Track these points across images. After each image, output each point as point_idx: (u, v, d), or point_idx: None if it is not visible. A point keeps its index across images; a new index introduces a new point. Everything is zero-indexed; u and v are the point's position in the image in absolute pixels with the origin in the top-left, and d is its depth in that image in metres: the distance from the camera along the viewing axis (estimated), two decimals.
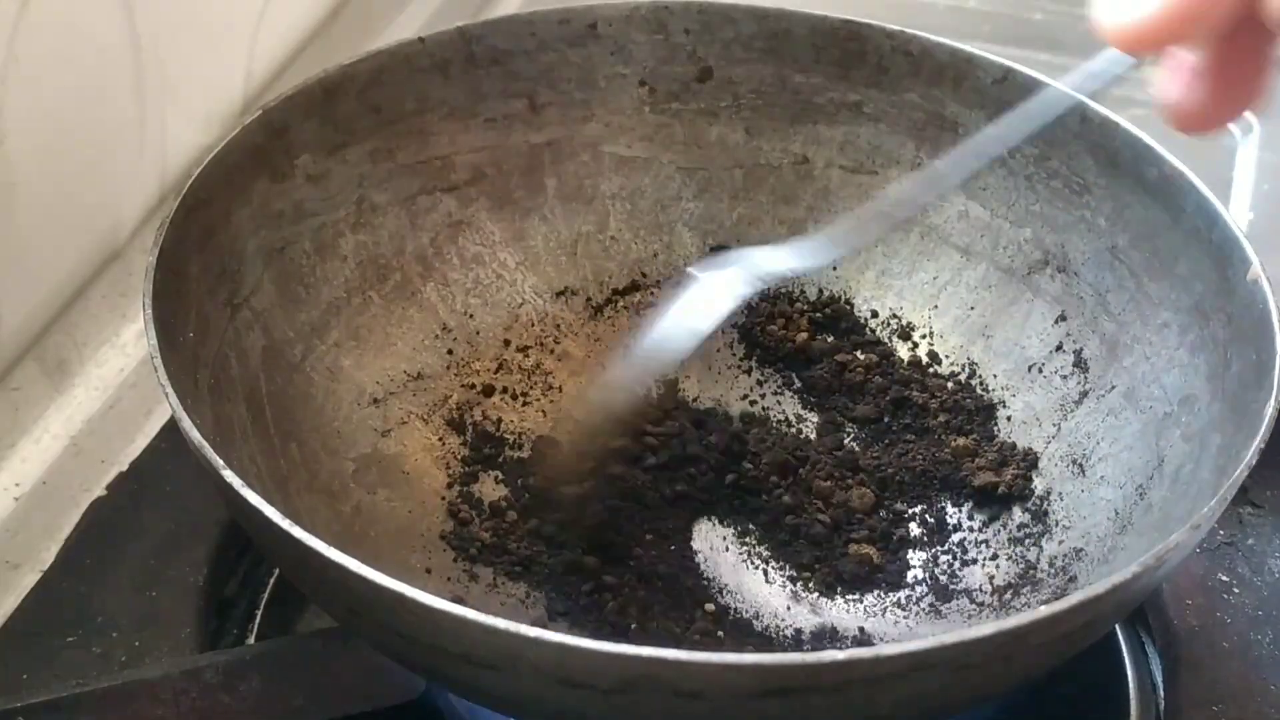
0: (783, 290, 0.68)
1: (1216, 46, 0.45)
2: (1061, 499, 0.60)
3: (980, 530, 0.61)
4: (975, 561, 0.60)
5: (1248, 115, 0.86)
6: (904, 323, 0.67)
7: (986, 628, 0.40)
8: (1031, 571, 0.58)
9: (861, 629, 0.58)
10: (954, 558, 0.60)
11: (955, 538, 0.61)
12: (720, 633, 0.57)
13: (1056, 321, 0.63)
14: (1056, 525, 0.59)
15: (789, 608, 0.59)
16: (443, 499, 0.61)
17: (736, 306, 0.55)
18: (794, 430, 0.66)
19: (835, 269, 0.68)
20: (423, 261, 0.65)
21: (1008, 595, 0.58)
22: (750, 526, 0.62)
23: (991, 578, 0.59)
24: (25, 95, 0.63)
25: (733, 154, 0.69)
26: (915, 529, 0.62)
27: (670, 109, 0.68)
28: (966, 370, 0.65)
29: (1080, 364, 0.62)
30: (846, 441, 0.65)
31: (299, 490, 0.56)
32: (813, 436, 0.65)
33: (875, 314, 0.68)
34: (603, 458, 0.60)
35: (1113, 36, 0.43)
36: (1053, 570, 0.57)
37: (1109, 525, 0.56)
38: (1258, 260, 0.53)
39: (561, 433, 0.63)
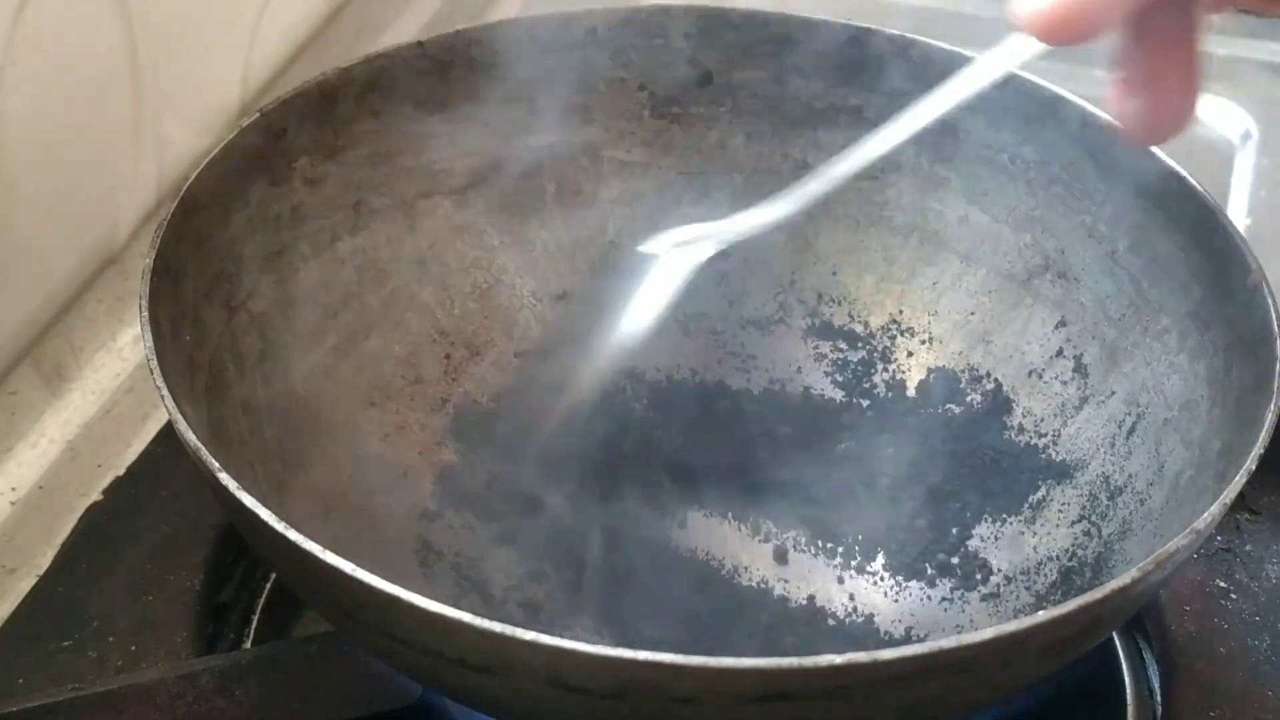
0: (780, 296, 0.68)
1: (1140, 45, 0.46)
2: (1060, 504, 0.60)
3: (976, 534, 0.61)
4: (970, 567, 0.60)
5: (1246, 122, 0.86)
6: (903, 328, 0.67)
7: (985, 632, 0.40)
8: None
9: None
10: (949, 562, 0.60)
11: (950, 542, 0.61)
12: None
13: (1056, 327, 0.63)
14: (1055, 531, 0.59)
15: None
16: (440, 503, 0.61)
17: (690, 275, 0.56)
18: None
19: (835, 274, 0.68)
20: (421, 265, 0.65)
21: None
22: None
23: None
24: (22, 99, 0.63)
25: (732, 159, 0.68)
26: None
27: (670, 114, 0.68)
28: (966, 375, 0.65)
29: (1080, 369, 0.62)
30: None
31: (295, 494, 0.56)
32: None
33: (875, 318, 0.68)
34: None
35: (1028, 23, 0.43)
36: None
37: (1109, 530, 0.56)
38: (1257, 265, 0.53)
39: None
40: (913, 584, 0.60)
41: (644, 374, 0.67)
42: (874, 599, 0.60)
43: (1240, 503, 0.63)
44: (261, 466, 0.55)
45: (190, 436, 0.46)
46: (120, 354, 0.71)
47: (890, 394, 0.66)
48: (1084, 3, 0.42)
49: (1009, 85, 0.63)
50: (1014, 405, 0.63)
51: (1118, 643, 0.59)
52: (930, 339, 0.67)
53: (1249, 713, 0.55)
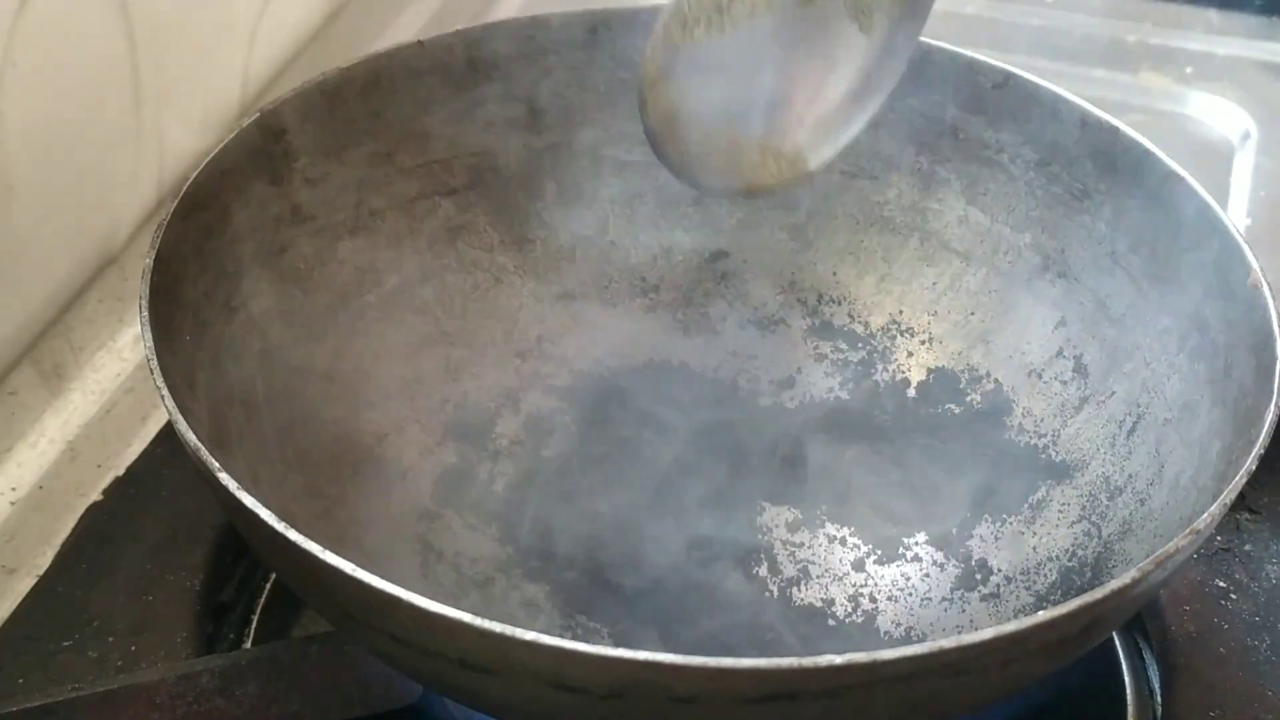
0: (780, 296, 0.68)
1: None
2: (1060, 504, 0.59)
3: (976, 534, 0.61)
4: (970, 567, 0.60)
5: (1246, 122, 0.86)
6: (903, 328, 0.67)
7: (985, 632, 0.40)
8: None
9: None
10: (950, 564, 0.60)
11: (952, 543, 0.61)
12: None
13: (1056, 327, 0.63)
14: (1055, 531, 0.59)
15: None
16: (440, 503, 0.61)
17: None
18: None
19: (835, 274, 0.68)
20: (421, 265, 0.65)
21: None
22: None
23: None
24: (22, 99, 0.63)
25: None
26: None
27: None
28: (966, 375, 0.65)
29: (1080, 369, 0.62)
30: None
31: (295, 494, 0.56)
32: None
33: (875, 318, 0.68)
34: None
35: None
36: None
37: (1109, 530, 0.56)
38: (1258, 266, 0.53)
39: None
40: (912, 584, 0.60)
41: (643, 374, 0.68)
42: (874, 599, 0.60)
43: (1240, 503, 0.63)
44: (261, 466, 0.55)
45: (190, 436, 0.46)
46: (120, 354, 0.71)
47: (890, 394, 0.66)
48: None
49: (1009, 85, 0.63)
50: (1014, 405, 0.63)
51: (1118, 643, 0.59)
52: (930, 339, 0.67)
53: (1249, 713, 0.55)
